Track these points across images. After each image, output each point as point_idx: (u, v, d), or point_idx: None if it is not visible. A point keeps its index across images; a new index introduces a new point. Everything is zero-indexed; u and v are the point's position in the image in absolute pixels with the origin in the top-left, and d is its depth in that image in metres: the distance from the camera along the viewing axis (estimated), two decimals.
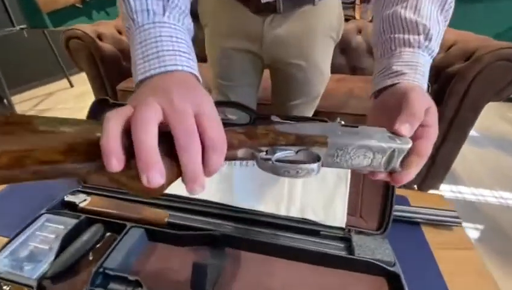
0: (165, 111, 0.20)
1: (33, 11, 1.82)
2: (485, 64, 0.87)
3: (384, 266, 0.44)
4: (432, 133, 0.28)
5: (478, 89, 0.91)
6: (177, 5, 0.30)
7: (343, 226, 0.51)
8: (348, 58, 1.47)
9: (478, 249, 0.53)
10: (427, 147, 0.28)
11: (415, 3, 0.35)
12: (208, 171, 0.21)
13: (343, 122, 0.56)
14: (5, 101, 1.93)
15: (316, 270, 0.46)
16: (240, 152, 0.26)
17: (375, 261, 0.44)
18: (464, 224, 1.22)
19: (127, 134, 0.20)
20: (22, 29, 1.94)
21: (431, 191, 1.20)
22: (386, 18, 0.38)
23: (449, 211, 0.58)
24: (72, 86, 2.61)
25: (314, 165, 0.25)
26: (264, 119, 0.56)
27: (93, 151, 0.19)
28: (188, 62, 0.28)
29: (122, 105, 0.67)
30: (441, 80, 1.02)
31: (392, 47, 0.36)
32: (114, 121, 0.19)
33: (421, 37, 0.35)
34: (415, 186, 1.21)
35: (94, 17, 1.78)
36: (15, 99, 2.34)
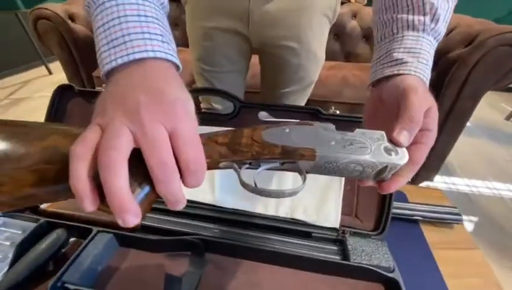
0: (136, 137, 0.19)
1: None
2: (488, 49, 0.81)
3: (382, 272, 0.39)
4: (431, 138, 0.26)
5: (479, 75, 0.86)
6: None
7: (337, 226, 0.46)
8: (342, 44, 1.40)
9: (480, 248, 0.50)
10: (422, 153, 0.26)
11: None
12: (187, 187, 0.20)
13: (338, 112, 0.50)
14: None
15: (307, 278, 0.41)
16: (222, 164, 0.24)
17: (372, 268, 0.40)
18: None
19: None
20: None
21: (425, 183, 1.18)
22: None
23: (449, 207, 0.54)
24: (50, 73, 2.45)
25: (298, 188, 0.24)
26: (251, 108, 0.50)
27: (65, 174, 0.18)
28: (162, 46, 0.23)
29: (91, 93, 0.57)
30: (439, 67, 0.96)
31: (393, 30, 0.32)
32: (81, 158, 0.18)
33: (427, 18, 0.30)
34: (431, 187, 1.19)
35: None
36: None
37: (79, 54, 1.07)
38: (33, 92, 2.14)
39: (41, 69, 2.47)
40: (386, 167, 0.24)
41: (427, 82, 0.30)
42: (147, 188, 0.20)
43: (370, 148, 0.24)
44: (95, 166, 0.18)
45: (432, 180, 1.14)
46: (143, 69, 0.22)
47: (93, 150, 0.18)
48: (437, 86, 0.96)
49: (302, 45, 0.59)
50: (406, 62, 0.29)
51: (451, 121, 0.96)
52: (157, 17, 0.24)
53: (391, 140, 0.25)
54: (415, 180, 1.17)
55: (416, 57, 0.29)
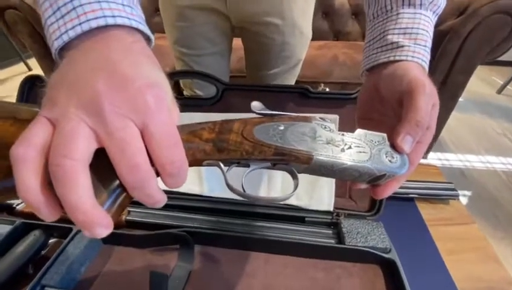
0: (98, 136, 0.16)
1: None
2: (481, 18, 0.79)
3: (378, 253, 0.38)
4: (429, 136, 0.25)
5: (472, 46, 0.84)
6: None
7: (331, 209, 0.45)
8: (331, 22, 1.35)
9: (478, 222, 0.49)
10: (420, 153, 0.25)
11: None
12: (170, 185, 0.18)
13: (327, 90, 0.47)
14: None
15: (302, 264, 0.40)
16: (206, 163, 0.22)
17: (368, 249, 0.38)
18: None
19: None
20: None
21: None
22: None
23: (445, 183, 0.53)
24: (30, 69, 2.36)
25: (290, 195, 0.23)
26: (235, 91, 0.47)
27: (7, 174, 0.16)
28: (123, 10, 0.18)
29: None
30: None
31: (387, 6, 0.29)
32: (27, 163, 0.15)
33: None
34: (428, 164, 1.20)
35: None
36: None
37: None
38: (13, 90, 2.01)
39: (20, 66, 2.37)
40: (384, 174, 0.22)
41: (427, 67, 0.27)
42: (116, 191, 0.17)
43: (370, 153, 0.22)
44: (47, 171, 0.15)
45: (425, 157, 1.14)
46: (102, 43, 0.18)
47: (43, 151, 0.15)
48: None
49: (285, 21, 0.55)
50: (402, 46, 0.26)
51: (444, 96, 0.95)
52: None
53: (393, 145, 0.23)
54: None
55: (414, 39, 0.26)
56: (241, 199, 0.45)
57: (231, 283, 0.38)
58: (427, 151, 1.14)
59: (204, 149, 0.21)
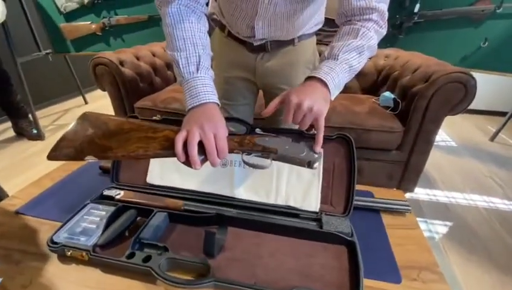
0: (201, 135, 0.47)
1: (58, 39, 2.05)
2: (440, 85, 1.05)
3: (343, 236, 0.60)
4: (309, 118, 0.53)
5: (436, 105, 1.09)
6: (204, 65, 0.55)
7: (317, 210, 0.67)
8: None
9: (421, 228, 0.69)
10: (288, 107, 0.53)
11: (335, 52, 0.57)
12: (220, 157, 0.49)
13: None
14: (30, 116, 2.11)
15: (293, 242, 0.61)
16: (235, 151, 0.52)
17: (337, 233, 0.60)
18: (435, 221, 1.37)
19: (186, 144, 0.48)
20: (47, 54, 2.16)
21: (408, 195, 1.36)
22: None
23: (402, 201, 0.74)
24: (86, 102, 2.80)
25: (268, 163, 0.52)
26: (252, 129, 0.74)
27: (171, 148, 0.48)
28: (211, 96, 0.53)
29: (147, 120, 0.86)
30: (407, 98, 1.20)
31: (325, 56, 0.60)
32: (179, 143, 0.47)
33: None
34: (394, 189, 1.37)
35: (111, 44, 2.00)
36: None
37: (125, 90, 1.36)
38: (74, 119, 2.44)
39: (79, 99, 2.82)
40: (310, 161, 0.50)
41: (331, 82, 0.55)
42: (202, 156, 0.48)
43: (304, 152, 0.51)
44: (184, 145, 0.47)
45: (412, 191, 1.32)
46: (204, 108, 0.51)
47: (184, 140, 0.47)
48: (406, 112, 1.19)
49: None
50: (320, 70, 0.56)
51: (420, 140, 1.17)
52: (210, 82, 0.52)
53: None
54: None
55: (330, 72, 0.55)
56: (257, 200, 0.69)
57: (249, 249, 0.60)
58: (413, 186, 1.33)
59: (234, 145, 0.52)
